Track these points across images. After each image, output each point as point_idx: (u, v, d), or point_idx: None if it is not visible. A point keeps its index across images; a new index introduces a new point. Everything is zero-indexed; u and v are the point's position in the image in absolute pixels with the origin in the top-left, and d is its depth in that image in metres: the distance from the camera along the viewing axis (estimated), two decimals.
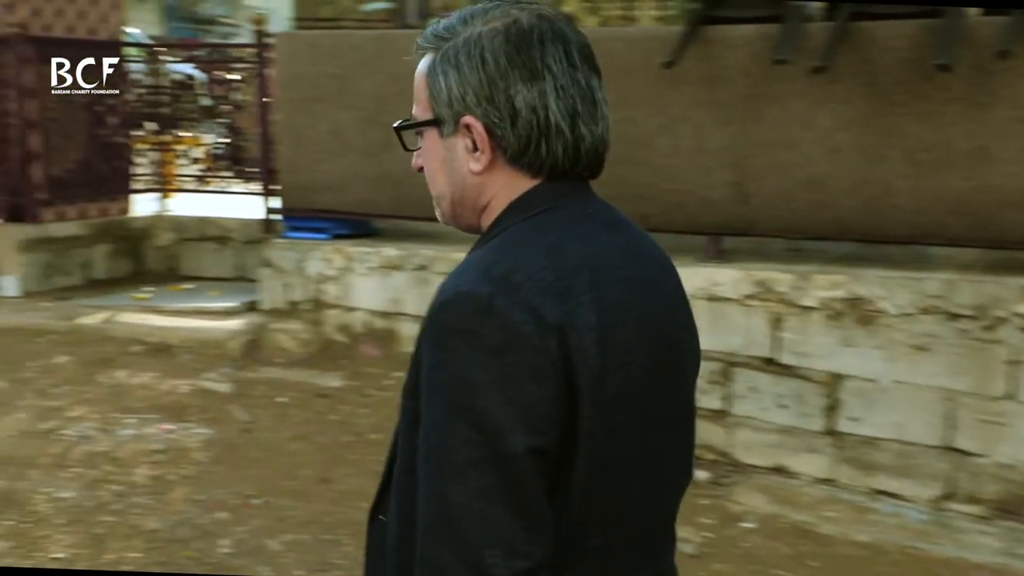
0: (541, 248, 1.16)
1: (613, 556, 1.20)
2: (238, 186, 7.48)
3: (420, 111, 1.25)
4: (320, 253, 5.99)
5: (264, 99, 6.35)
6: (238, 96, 7.47)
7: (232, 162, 7.68)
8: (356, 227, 6.17)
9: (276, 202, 6.37)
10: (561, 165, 1.21)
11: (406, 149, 1.30)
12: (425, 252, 5.72)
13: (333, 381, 5.39)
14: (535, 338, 1.09)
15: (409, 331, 5.71)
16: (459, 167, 1.23)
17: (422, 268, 5.72)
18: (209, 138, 8.17)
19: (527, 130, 1.19)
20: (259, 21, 6.37)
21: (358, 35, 6.46)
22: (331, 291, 5.96)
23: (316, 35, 6.50)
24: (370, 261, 5.87)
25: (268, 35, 6.34)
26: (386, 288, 5.81)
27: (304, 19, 8.30)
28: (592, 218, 1.22)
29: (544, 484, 1.10)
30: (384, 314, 5.82)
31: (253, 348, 5.65)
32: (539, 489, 1.10)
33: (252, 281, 6.38)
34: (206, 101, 7.76)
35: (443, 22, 1.25)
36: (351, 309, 5.90)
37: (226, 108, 7.67)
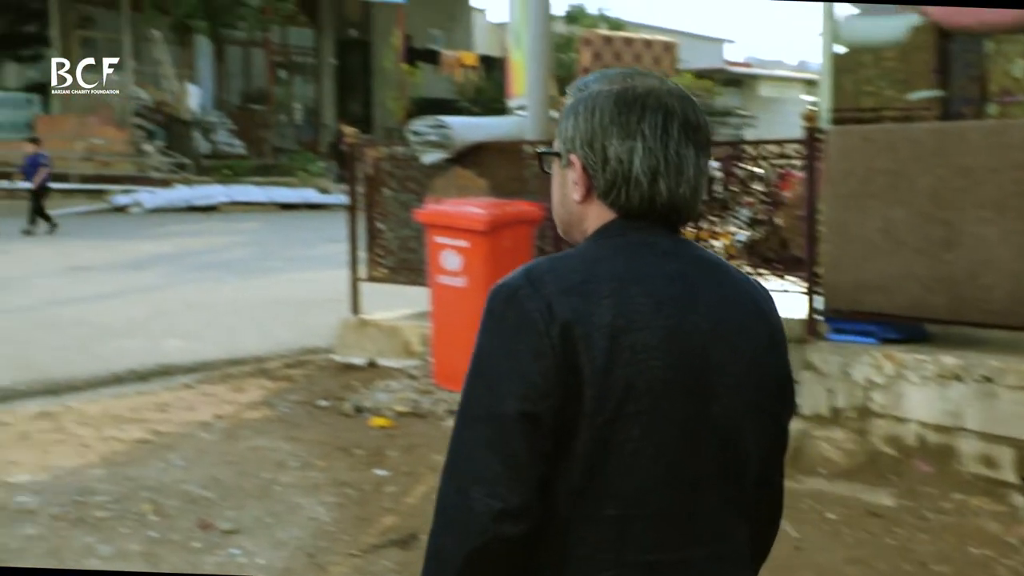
0: (583, 259, 1.47)
1: (633, 529, 1.42)
2: (772, 281, 7.33)
3: (555, 144, 1.57)
4: (868, 358, 5.63)
5: (810, 195, 6.18)
6: (766, 189, 7.34)
7: (761, 257, 7.55)
8: (907, 332, 5.74)
9: (819, 302, 6.13)
10: (636, 209, 1.49)
11: (542, 171, 1.64)
12: (990, 363, 5.16)
13: (884, 499, 4.98)
14: (541, 324, 1.39)
15: (971, 449, 5.17)
16: (568, 193, 1.55)
17: (986, 380, 5.16)
18: (732, 229, 8.13)
19: (612, 176, 1.49)
20: (810, 118, 6.24)
21: (915, 128, 6.10)
22: (879, 400, 5.57)
23: (869, 129, 6.24)
24: (925, 370, 5.41)
25: (819, 131, 6.18)
26: (943, 400, 5.31)
27: (844, 110, 8.06)
28: (650, 247, 1.49)
29: (533, 444, 1.38)
30: (940, 428, 5.32)
31: (795, 456, 5.40)
32: (525, 447, 1.38)
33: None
34: (726, 193, 7.76)
35: (588, 78, 1.55)
36: (902, 420, 5.47)
37: (749, 201, 7.59)
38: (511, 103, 8.94)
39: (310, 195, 21.28)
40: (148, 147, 22.19)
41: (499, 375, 1.42)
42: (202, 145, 22.76)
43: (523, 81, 8.31)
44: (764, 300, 1.58)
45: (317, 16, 26.69)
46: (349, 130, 8.33)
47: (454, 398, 5.73)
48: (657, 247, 1.50)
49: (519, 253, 6.35)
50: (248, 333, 8.74)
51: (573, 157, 1.53)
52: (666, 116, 1.50)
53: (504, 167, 7.41)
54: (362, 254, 7.95)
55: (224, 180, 21.52)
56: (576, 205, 1.55)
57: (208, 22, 21.29)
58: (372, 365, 7.31)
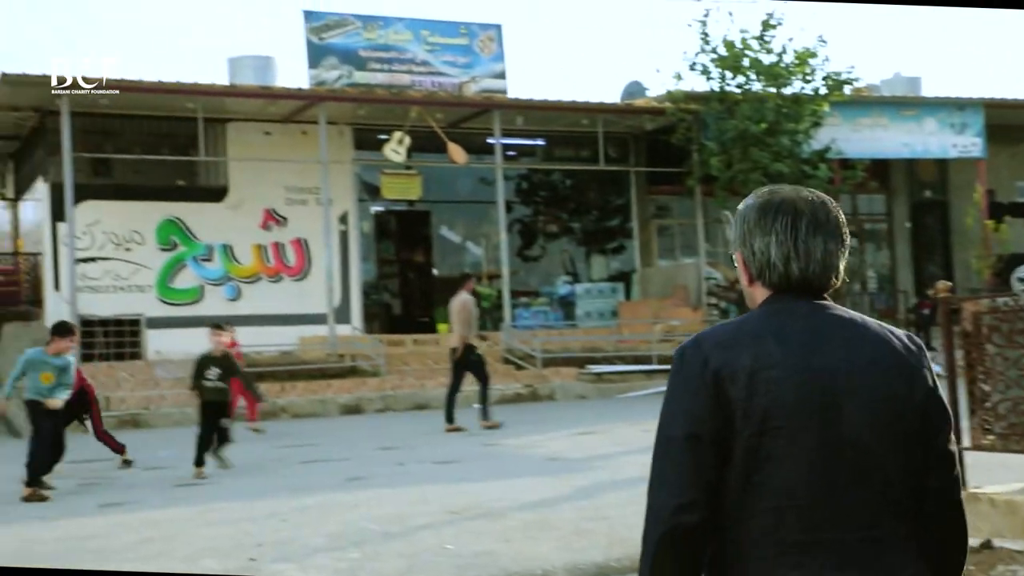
0: (736, 323, 2.11)
1: (787, 517, 1.98)
2: None
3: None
4: None
5: None
6: None
7: None
8: None
9: None
10: (779, 285, 2.13)
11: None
12: None
13: None
14: (698, 369, 2.03)
15: None
16: (742, 280, 2.22)
17: None
18: None
19: (759, 264, 2.15)
20: None
21: None
22: None
23: None
24: None
25: None
26: None
27: None
28: (789, 311, 2.09)
29: (698, 456, 1.98)
30: None
31: None
32: (692, 459, 1.98)
33: None
34: None
35: (750, 196, 2.23)
36: None
37: None
38: None
39: None
40: None
41: (674, 410, 2.03)
42: None
43: None
44: (899, 345, 2.09)
45: (888, 181, 25.88)
46: (942, 284, 7.51)
47: None
48: (795, 310, 2.08)
49: None
50: None
51: (736, 254, 2.18)
52: (795, 217, 2.10)
53: None
54: (964, 422, 6.98)
55: None
56: (747, 287, 2.19)
57: None
58: (986, 546, 6.25)
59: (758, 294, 2.16)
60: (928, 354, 2.15)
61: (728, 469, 2.00)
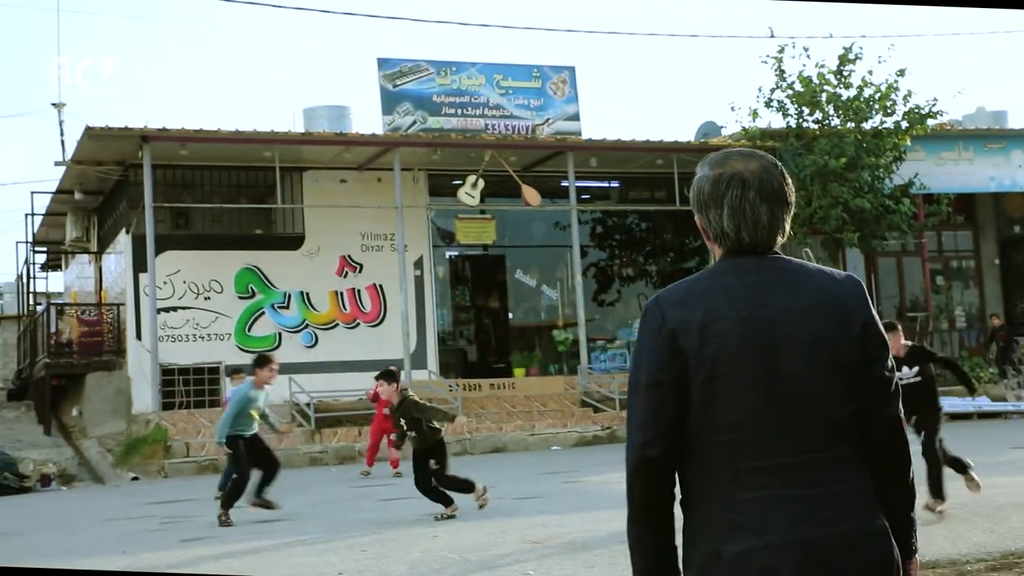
0: (689, 282, 2.44)
1: (740, 447, 2.33)
2: None
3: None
4: None
5: None
6: None
7: None
8: None
9: None
10: (732, 248, 2.43)
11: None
12: None
13: None
14: (656, 326, 2.38)
15: None
16: (705, 238, 2.51)
17: None
18: None
19: (714, 231, 2.44)
20: None
21: None
22: None
23: None
24: None
25: None
26: None
27: None
28: (736, 267, 2.41)
29: (660, 400, 2.36)
30: None
31: None
32: (656, 402, 2.36)
33: None
34: None
35: (703, 161, 2.52)
36: None
37: None
38: None
39: (982, 403, 19.44)
40: None
41: (639, 361, 2.42)
42: None
43: None
44: (842, 290, 2.41)
45: (974, 216, 25.22)
46: (997, 319, 7.14)
47: None
48: (743, 267, 2.40)
49: None
50: (934, 534, 7.66)
51: (696, 217, 2.50)
52: (743, 189, 2.41)
53: None
54: None
55: None
56: (708, 244, 2.51)
57: (858, 234, 20.95)
58: None
59: (716, 252, 2.49)
60: (865, 291, 2.46)
61: (688, 409, 2.36)
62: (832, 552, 2.29)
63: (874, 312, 2.45)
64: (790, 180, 2.48)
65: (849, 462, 2.37)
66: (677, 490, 2.41)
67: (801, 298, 2.37)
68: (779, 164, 2.49)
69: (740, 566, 2.29)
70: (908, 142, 21.47)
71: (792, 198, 2.47)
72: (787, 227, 2.46)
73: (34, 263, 27.02)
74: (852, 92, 21.30)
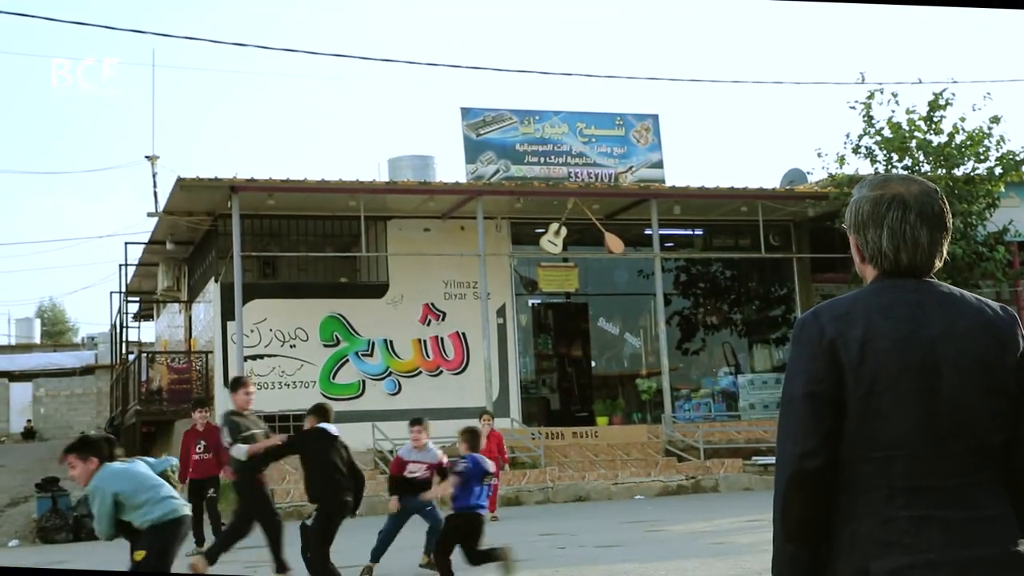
0: (850, 299, 2.44)
1: (895, 464, 2.33)
2: None
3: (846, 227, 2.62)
4: None
5: None
6: None
7: None
8: None
9: None
10: (889, 269, 2.47)
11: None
12: None
13: None
14: (815, 338, 2.38)
15: None
16: (855, 258, 2.57)
17: None
18: None
19: (871, 251, 2.49)
20: None
21: None
22: None
23: None
24: None
25: None
26: None
27: None
28: (897, 288, 2.44)
29: (816, 411, 2.35)
30: None
31: None
32: (812, 413, 2.36)
33: None
34: None
35: (862, 183, 2.57)
36: None
37: None
38: None
39: None
40: None
41: (795, 372, 2.42)
42: None
43: None
44: (999, 319, 2.42)
45: None
46: None
47: None
48: (903, 288, 2.44)
49: None
50: None
51: (852, 237, 2.55)
52: (904, 211, 2.45)
53: None
54: None
55: None
56: (859, 265, 2.57)
57: (950, 281, 20.43)
58: None
59: (868, 273, 2.53)
60: (1019, 323, 2.47)
61: (844, 422, 2.36)
62: (982, 575, 2.30)
63: None
64: (948, 208, 2.52)
65: (997, 488, 2.39)
66: None
67: (961, 322, 2.40)
68: (939, 189, 2.53)
69: None
70: (1002, 188, 20.94)
71: (950, 223, 2.52)
72: (944, 251, 2.51)
73: (127, 313, 27.69)
74: (943, 138, 20.88)
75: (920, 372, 2.35)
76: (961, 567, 2.29)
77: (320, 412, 8.82)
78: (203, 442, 13.10)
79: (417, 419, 10.14)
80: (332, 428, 8.63)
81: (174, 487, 6.86)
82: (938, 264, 2.49)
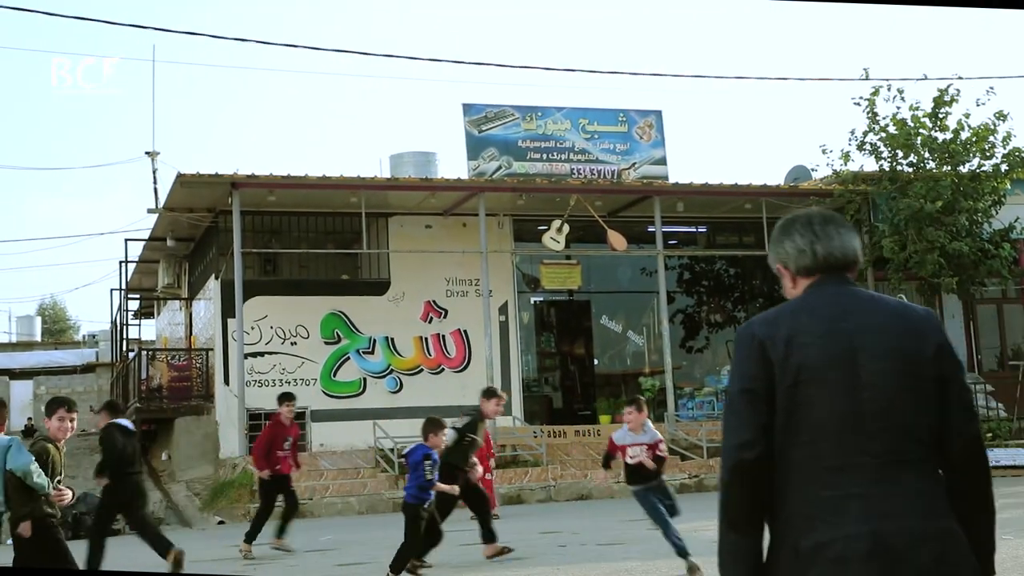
0: (779, 307, 2.73)
1: (821, 446, 2.58)
2: None
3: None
4: None
5: None
6: None
7: None
8: None
9: None
10: (810, 268, 2.75)
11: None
12: None
13: None
14: (748, 341, 2.65)
15: None
16: (786, 285, 2.83)
17: None
18: None
19: (792, 257, 2.78)
20: None
21: None
22: None
23: None
24: None
25: None
26: None
27: None
28: (819, 289, 2.72)
29: (752, 406, 2.60)
30: None
31: None
32: (749, 408, 2.60)
33: None
34: None
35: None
36: None
37: None
38: None
39: None
40: None
41: (733, 374, 2.69)
42: None
43: None
44: (916, 314, 2.70)
45: None
46: None
47: None
48: (824, 291, 2.71)
49: None
50: None
51: (777, 266, 2.84)
52: (809, 219, 2.80)
53: None
54: None
55: (986, 444, 19.64)
56: (788, 290, 2.81)
57: (955, 279, 20.26)
58: None
59: (799, 287, 2.78)
60: (940, 322, 2.75)
61: (774, 414, 2.60)
62: (898, 545, 2.49)
63: (948, 338, 2.69)
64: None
65: (922, 467, 2.59)
66: None
67: (877, 316, 2.66)
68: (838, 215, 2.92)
69: (814, 557, 2.52)
70: (1008, 185, 20.80)
71: (858, 235, 2.87)
72: (859, 256, 2.80)
73: (127, 310, 27.57)
74: (948, 135, 20.73)
75: (841, 362, 2.60)
76: (879, 538, 2.49)
77: None
78: (290, 438, 12.13)
79: (633, 399, 9.59)
80: None
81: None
82: (858, 262, 2.79)
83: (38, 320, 46.81)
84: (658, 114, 22.21)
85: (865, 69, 21.11)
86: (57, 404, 7.33)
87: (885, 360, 2.60)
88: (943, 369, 2.63)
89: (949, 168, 20.51)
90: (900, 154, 20.86)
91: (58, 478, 7.16)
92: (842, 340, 2.60)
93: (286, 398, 12.36)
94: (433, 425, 9.06)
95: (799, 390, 2.57)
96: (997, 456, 18.69)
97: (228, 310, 19.59)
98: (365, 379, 20.36)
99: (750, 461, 2.57)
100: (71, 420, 7.28)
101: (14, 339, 42.94)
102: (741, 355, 2.67)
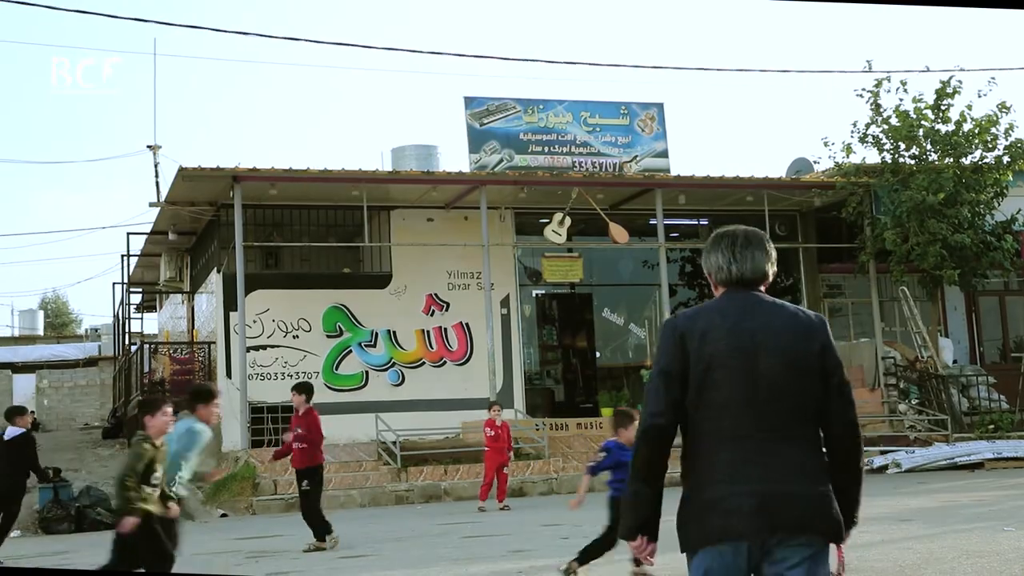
0: (700, 306, 3.51)
1: (725, 421, 3.28)
2: None
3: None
4: None
5: None
6: None
7: None
8: None
9: None
10: (726, 283, 3.47)
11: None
12: None
13: None
14: (671, 333, 3.40)
15: None
16: (712, 285, 3.54)
17: None
18: None
19: (715, 270, 3.49)
20: None
21: None
22: None
23: None
24: None
25: None
26: None
27: None
28: (730, 296, 3.44)
29: (669, 386, 3.33)
30: None
31: None
32: (664, 387, 3.34)
33: None
34: None
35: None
36: None
37: None
38: None
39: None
40: (902, 406, 21.26)
41: (657, 358, 3.41)
42: (960, 401, 21.24)
43: None
44: (808, 319, 3.39)
45: None
46: None
47: None
48: (735, 297, 3.41)
49: None
50: None
51: (706, 270, 3.54)
52: (733, 240, 3.48)
53: None
54: None
55: (988, 436, 19.69)
56: (714, 290, 3.51)
57: (958, 271, 20.24)
58: None
59: (717, 291, 3.49)
60: (827, 325, 3.43)
61: (687, 392, 3.32)
62: (778, 503, 3.22)
63: (832, 339, 3.41)
64: (770, 242, 3.56)
65: (806, 443, 3.32)
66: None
67: (776, 319, 3.36)
68: (763, 232, 3.56)
69: (714, 507, 3.25)
70: (1010, 177, 20.78)
71: (772, 252, 3.54)
72: (771, 273, 3.50)
73: (129, 304, 27.58)
74: (950, 127, 20.70)
75: (743, 353, 3.31)
76: (766, 497, 3.22)
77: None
78: (299, 429, 11.43)
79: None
80: None
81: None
82: (767, 279, 3.51)
83: (40, 314, 46.82)
84: (660, 107, 22.18)
85: (868, 61, 21.16)
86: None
87: (779, 354, 3.30)
88: (826, 364, 3.34)
89: (951, 160, 20.49)
90: (902, 146, 20.85)
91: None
92: (745, 336, 3.32)
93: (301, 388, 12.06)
94: (626, 418, 8.41)
95: (709, 374, 3.29)
96: (1000, 448, 18.70)
97: (230, 303, 19.59)
98: (367, 372, 20.37)
99: (659, 427, 3.29)
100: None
101: (17, 333, 42.98)
102: (664, 343, 3.40)
